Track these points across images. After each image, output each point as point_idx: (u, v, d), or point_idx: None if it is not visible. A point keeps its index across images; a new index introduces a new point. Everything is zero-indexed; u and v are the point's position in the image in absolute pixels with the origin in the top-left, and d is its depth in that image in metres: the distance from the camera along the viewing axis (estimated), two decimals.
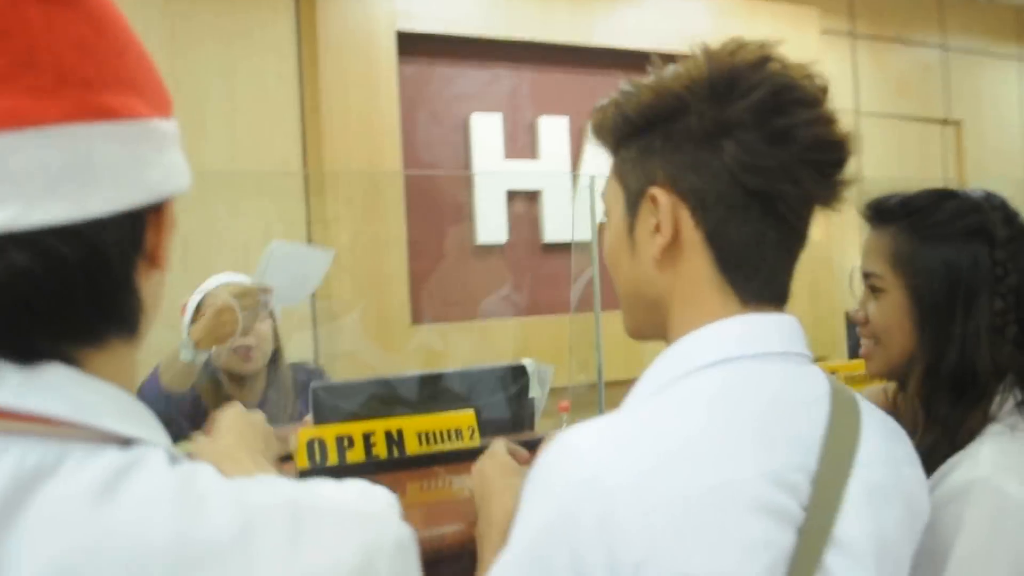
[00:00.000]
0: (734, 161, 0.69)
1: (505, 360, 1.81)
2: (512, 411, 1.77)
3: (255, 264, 1.77)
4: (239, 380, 1.94)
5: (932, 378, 1.00)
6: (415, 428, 1.52)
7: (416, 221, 3.01)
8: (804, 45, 3.44)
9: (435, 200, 3.09)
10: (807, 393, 0.72)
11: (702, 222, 0.71)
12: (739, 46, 0.71)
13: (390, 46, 2.96)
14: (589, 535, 0.60)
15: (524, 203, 3.22)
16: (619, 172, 0.78)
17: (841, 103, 1.08)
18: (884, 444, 0.76)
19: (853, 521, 0.68)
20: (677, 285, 0.74)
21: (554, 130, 3.26)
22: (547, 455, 0.66)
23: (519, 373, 1.77)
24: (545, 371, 1.83)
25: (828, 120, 0.71)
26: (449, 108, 3.13)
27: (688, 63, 0.72)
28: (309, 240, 2.87)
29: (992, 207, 1.02)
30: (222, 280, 1.92)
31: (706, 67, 0.71)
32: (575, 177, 3.23)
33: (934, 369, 1.00)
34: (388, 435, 1.50)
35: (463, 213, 3.12)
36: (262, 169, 2.83)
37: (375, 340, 2.85)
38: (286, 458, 1.35)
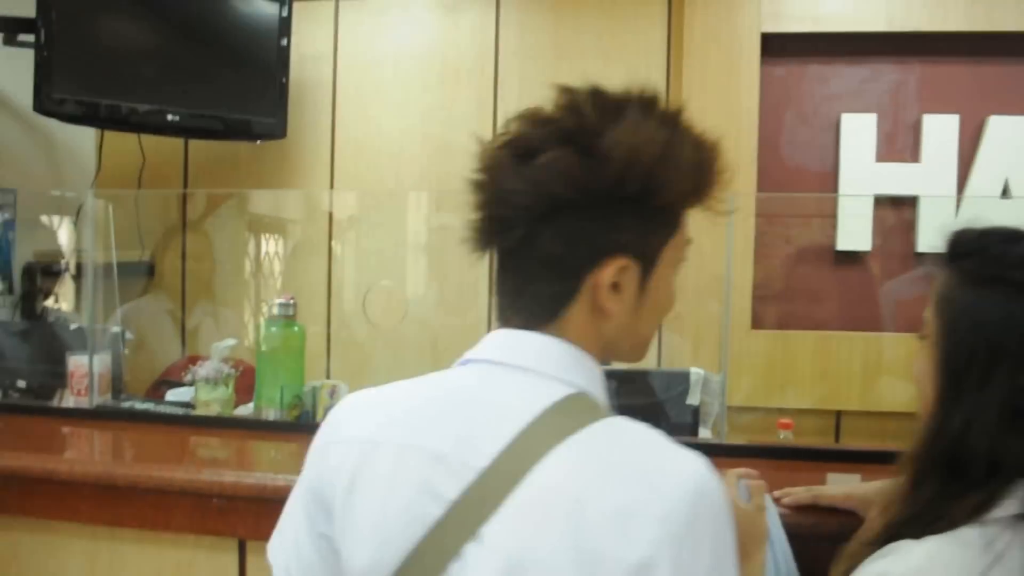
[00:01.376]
0: None
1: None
2: (672, 414, 1.95)
3: None
4: None
5: (928, 449, 0.92)
6: None
7: (765, 225, 3.11)
8: None
9: (789, 204, 3.14)
10: (507, 401, 0.84)
11: None
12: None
13: (753, 48, 3.09)
14: None
15: (895, 209, 3.07)
16: None
17: None
18: (580, 476, 0.77)
19: (500, 526, 0.77)
20: None
21: (940, 130, 3.03)
22: None
23: (681, 379, 1.94)
24: (713, 381, 1.96)
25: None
26: (817, 109, 3.13)
27: None
28: None
29: None
30: None
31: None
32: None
33: (932, 440, 0.92)
34: None
35: (823, 218, 3.12)
36: None
37: (711, 343, 3.06)
38: None
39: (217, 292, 3.46)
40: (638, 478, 0.77)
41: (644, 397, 1.91)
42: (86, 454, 1.76)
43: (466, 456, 0.81)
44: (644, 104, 0.90)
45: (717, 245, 3.00)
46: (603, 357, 0.94)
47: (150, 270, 3.40)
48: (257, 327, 3.36)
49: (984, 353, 0.87)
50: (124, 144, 3.21)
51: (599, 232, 0.87)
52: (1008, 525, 0.82)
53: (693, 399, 1.91)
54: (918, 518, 0.88)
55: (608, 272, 0.87)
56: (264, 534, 1.47)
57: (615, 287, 0.88)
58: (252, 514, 1.50)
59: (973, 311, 0.89)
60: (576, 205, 0.85)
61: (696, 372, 1.91)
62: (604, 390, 0.91)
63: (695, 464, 0.79)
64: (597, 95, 0.89)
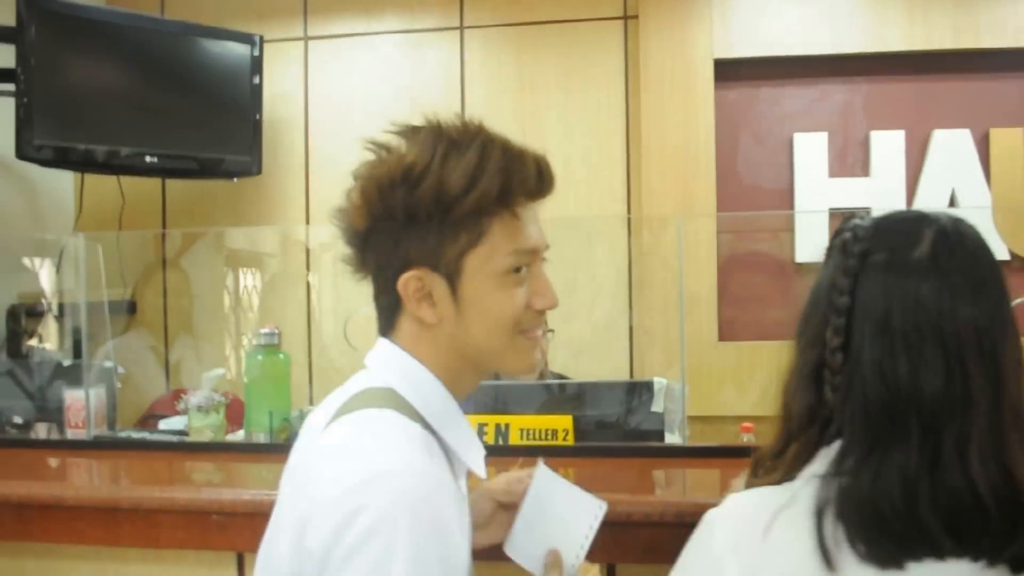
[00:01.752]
0: None
1: None
2: (640, 421, 2.08)
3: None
4: None
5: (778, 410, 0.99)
6: (519, 425, 1.97)
7: (727, 240, 3.29)
8: None
9: (751, 220, 3.32)
10: (346, 388, 1.05)
11: None
12: None
13: (707, 74, 3.27)
14: None
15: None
16: None
17: None
18: (314, 452, 0.98)
19: (286, 486, 1.05)
20: None
21: (888, 145, 3.22)
22: None
23: (646, 389, 2.09)
24: (675, 389, 2.11)
25: None
26: (771, 129, 3.32)
27: None
28: (629, 252, 3.35)
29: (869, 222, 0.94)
30: None
31: None
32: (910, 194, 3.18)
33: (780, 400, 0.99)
34: (497, 427, 1.99)
35: (781, 232, 3.29)
36: (591, 196, 3.39)
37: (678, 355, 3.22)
38: None
39: (198, 326, 3.58)
40: (334, 469, 0.91)
41: (613, 406, 2.05)
42: (89, 480, 1.87)
43: (313, 428, 1.04)
44: (432, 128, 1.00)
45: (686, 262, 3.19)
46: (468, 366, 1.05)
47: (132, 307, 3.52)
48: (239, 359, 3.47)
49: (807, 312, 0.97)
50: (104, 185, 3.33)
51: (394, 248, 1.00)
52: (808, 481, 0.89)
53: (658, 407, 2.05)
54: (759, 471, 0.99)
55: (403, 283, 0.99)
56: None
57: (425, 297, 1.00)
58: (249, 528, 1.61)
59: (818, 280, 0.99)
60: (378, 228, 1.00)
61: (659, 381, 2.05)
62: (426, 389, 1.02)
63: (379, 466, 0.89)
64: (396, 130, 1.03)
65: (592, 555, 1.27)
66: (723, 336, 3.29)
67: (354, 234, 1.04)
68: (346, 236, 1.05)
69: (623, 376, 3.28)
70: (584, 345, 3.23)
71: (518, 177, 0.99)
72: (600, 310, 3.36)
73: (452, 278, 0.99)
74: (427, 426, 0.99)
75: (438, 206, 0.96)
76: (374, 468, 0.89)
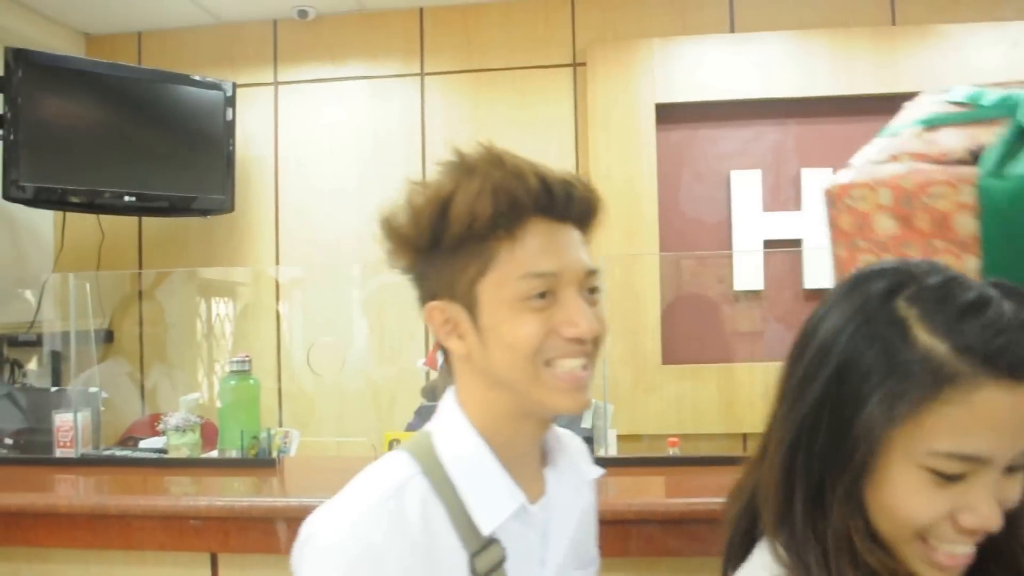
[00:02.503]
0: None
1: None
2: None
3: None
4: None
5: None
6: None
7: (671, 269, 3.60)
8: None
9: (692, 249, 3.64)
10: None
11: None
12: None
13: (649, 117, 3.59)
14: None
15: (783, 252, 3.58)
16: None
17: None
18: None
19: None
20: None
21: (817, 181, 3.55)
22: None
23: None
24: (601, 408, 2.40)
25: None
26: (709, 167, 3.64)
27: None
28: None
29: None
30: None
31: None
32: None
33: None
34: None
35: (720, 262, 3.60)
36: None
37: (628, 377, 3.52)
38: None
39: (172, 354, 3.83)
40: (328, 509, 0.96)
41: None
42: (79, 492, 2.13)
43: None
44: (451, 159, 1.02)
45: (638, 290, 3.49)
46: (512, 407, 1.00)
47: (109, 336, 3.77)
48: (211, 385, 3.73)
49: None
50: (83, 222, 3.60)
51: (423, 282, 1.03)
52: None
53: (587, 423, 2.34)
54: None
55: (428, 314, 1.02)
56: (231, 547, 1.87)
57: (453, 329, 1.00)
58: (222, 531, 1.88)
59: None
60: (414, 262, 1.02)
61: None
62: (456, 435, 1.01)
63: (339, 517, 0.94)
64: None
65: None
66: (666, 359, 3.58)
67: (404, 271, 1.05)
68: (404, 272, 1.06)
69: None
70: None
71: (514, 197, 0.96)
72: None
73: (471, 308, 0.98)
74: (443, 474, 0.98)
75: (445, 235, 0.96)
76: (319, 525, 0.94)
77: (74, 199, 3.23)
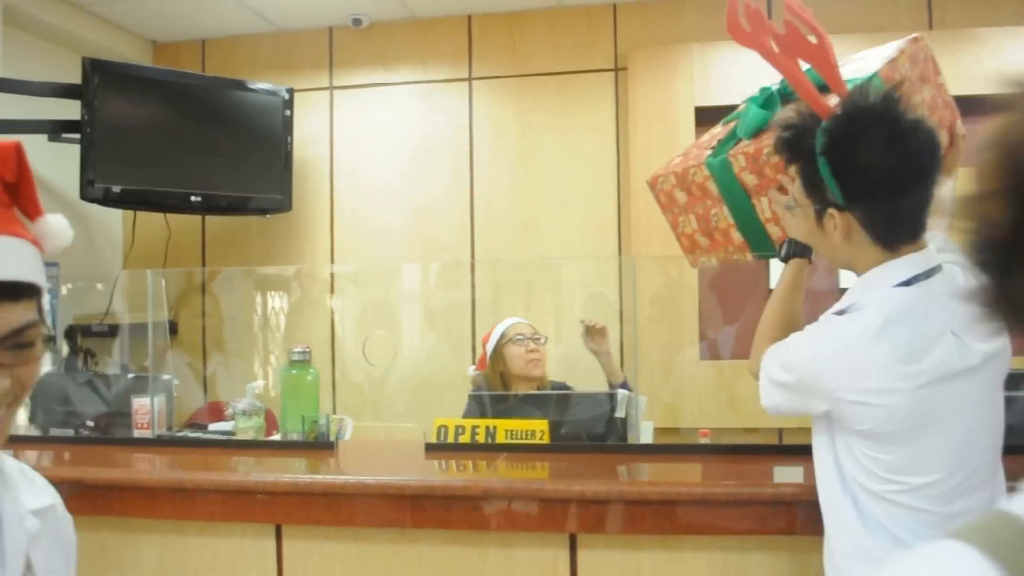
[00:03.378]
0: None
1: None
2: (604, 425, 2.56)
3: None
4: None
5: None
6: (505, 427, 2.45)
7: (707, 273, 3.77)
8: None
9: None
10: None
11: None
12: None
13: (688, 120, 3.77)
14: None
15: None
16: None
17: None
18: None
19: None
20: None
21: None
22: None
23: (610, 398, 2.57)
24: (634, 399, 2.60)
25: None
26: None
27: None
28: (620, 282, 3.83)
29: None
30: (512, 321, 3.03)
31: None
32: None
33: None
34: (487, 428, 2.47)
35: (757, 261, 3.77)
36: (586, 229, 3.88)
37: (667, 371, 3.71)
38: None
39: (231, 346, 4.11)
40: None
41: (584, 412, 2.54)
42: (159, 468, 2.38)
43: None
44: None
45: (678, 293, 3.68)
46: None
47: (174, 328, 4.05)
48: (267, 376, 4.00)
49: None
50: (151, 220, 3.89)
51: None
52: None
53: (620, 413, 2.54)
54: None
55: None
56: (294, 520, 2.11)
57: None
58: (287, 505, 2.12)
59: None
60: None
61: (622, 392, 2.54)
62: None
63: None
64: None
65: (557, 526, 1.79)
66: (706, 355, 3.76)
67: (989, 242, 0.63)
68: (978, 246, 0.64)
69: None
70: (578, 360, 3.72)
71: None
72: None
73: None
74: None
75: None
76: None
77: (144, 199, 3.51)
